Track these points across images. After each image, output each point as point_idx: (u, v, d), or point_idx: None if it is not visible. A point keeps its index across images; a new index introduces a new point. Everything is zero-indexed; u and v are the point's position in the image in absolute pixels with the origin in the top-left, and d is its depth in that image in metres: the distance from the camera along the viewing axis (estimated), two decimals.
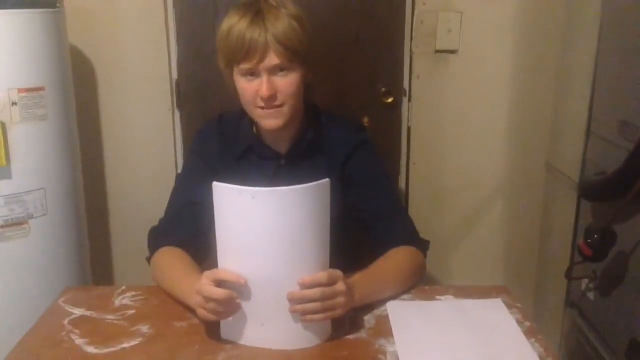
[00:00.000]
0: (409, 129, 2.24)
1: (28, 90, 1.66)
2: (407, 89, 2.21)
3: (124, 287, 1.32)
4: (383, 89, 2.20)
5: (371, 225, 1.39)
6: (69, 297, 1.29)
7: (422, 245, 1.38)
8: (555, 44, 2.10)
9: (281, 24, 1.24)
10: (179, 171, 2.17)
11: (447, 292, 1.30)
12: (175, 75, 2.19)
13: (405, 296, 1.28)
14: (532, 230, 2.31)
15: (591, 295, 1.65)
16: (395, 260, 1.30)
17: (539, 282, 2.31)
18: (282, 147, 1.40)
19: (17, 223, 1.70)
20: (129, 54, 2.15)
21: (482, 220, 2.33)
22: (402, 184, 2.28)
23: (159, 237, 1.37)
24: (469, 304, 1.24)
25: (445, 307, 1.23)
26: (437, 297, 1.28)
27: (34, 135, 1.70)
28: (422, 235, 1.40)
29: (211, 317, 1.08)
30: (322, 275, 1.05)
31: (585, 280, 1.67)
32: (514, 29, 2.14)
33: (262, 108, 1.28)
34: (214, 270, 1.07)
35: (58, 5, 1.77)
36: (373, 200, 1.40)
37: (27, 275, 1.74)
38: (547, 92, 2.17)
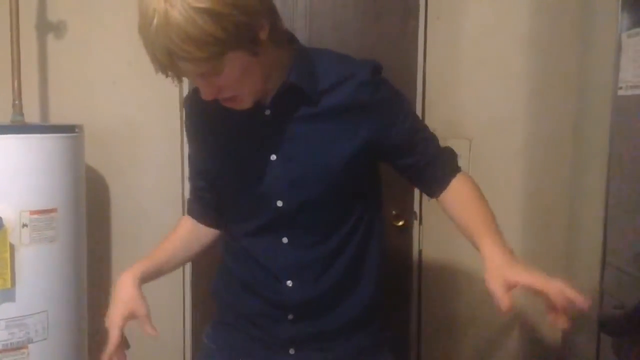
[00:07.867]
0: (420, 252, 2.21)
1: (40, 212, 1.67)
2: (418, 212, 2.21)
3: None
4: (393, 212, 2.20)
5: (413, 175, 1.31)
6: None
7: (457, 160, 1.35)
8: (564, 170, 2.11)
9: (174, 31, 0.91)
10: (187, 297, 2.12)
11: None
12: (187, 197, 2.21)
13: None
14: None
15: None
16: (472, 199, 1.27)
17: None
18: (267, 97, 1.17)
19: (16, 347, 1.65)
20: (145, 175, 2.20)
21: (497, 354, 2.23)
22: (413, 308, 2.22)
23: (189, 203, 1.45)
24: None
25: None
26: None
27: (42, 257, 1.70)
28: None
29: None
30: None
31: None
32: (523, 155, 2.17)
33: None
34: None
35: (77, 130, 1.82)
36: (410, 153, 1.27)
37: None
38: (560, 219, 2.15)
